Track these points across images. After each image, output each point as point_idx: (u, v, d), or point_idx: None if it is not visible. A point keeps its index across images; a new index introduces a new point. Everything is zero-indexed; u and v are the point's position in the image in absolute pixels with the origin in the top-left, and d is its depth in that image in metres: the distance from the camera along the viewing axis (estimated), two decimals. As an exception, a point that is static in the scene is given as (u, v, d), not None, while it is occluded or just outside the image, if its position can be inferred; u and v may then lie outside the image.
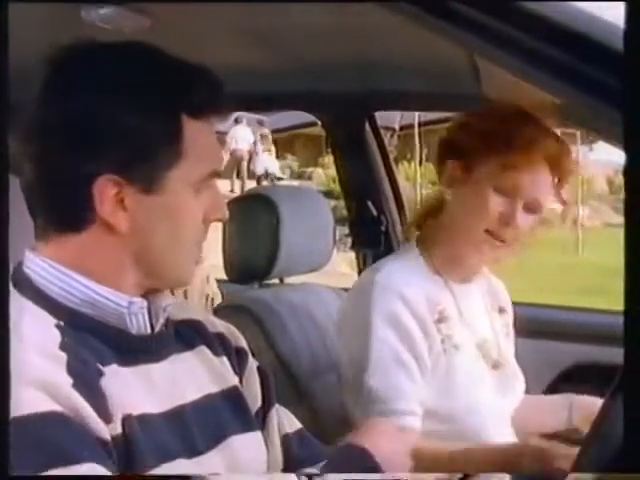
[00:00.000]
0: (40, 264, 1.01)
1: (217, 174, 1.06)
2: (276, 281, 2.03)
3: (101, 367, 0.96)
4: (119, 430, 0.93)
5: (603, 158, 15.90)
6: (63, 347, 0.93)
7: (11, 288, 0.99)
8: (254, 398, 1.20)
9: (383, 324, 1.49)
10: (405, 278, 1.54)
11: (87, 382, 0.92)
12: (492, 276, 1.73)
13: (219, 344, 1.18)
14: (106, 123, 0.98)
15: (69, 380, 0.90)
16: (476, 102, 1.88)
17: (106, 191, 0.97)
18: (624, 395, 0.71)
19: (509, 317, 1.72)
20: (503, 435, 1.55)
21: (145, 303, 1.03)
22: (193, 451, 1.02)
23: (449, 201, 1.56)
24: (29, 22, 1.46)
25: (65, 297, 0.99)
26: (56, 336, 0.94)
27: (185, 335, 1.13)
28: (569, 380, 2.06)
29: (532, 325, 1.71)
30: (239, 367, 1.20)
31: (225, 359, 1.17)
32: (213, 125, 1.05)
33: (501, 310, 1.70)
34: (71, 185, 0.99)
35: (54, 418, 0.87)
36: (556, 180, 1.52)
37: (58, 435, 0.86)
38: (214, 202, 1.06)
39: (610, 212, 16.96)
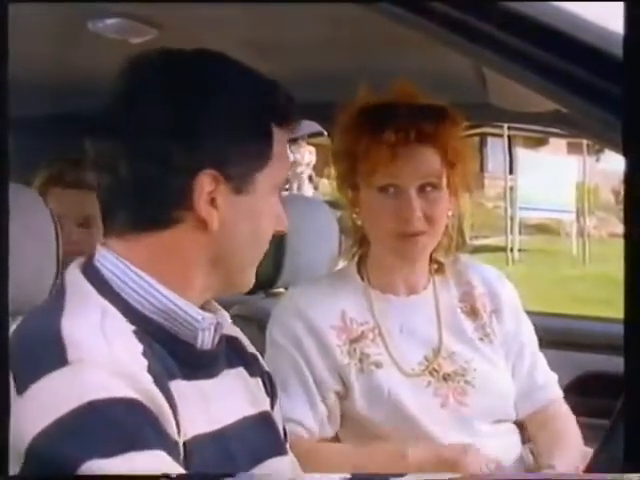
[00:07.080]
0: (115, 262, 0.99)
1: (287, 181, 1.07)
2: (282, 290, 2.03)
3: (169, 381, 0.95)
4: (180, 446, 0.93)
5: (610, 168, 15.83)
6: (144, 354, 0.92)
7: (83, 279, 0.99)
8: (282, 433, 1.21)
9: (283, 340, 1.53)
10: (313, 299, 1.56)
11: (165, 389, 0.91)
12: (475, 275, 1.64)
13: (255, 365, 1.18)
14: (207, 122, 0.99)
15: (149, 378, 0.89)
16: (483, 111, 1.89)
17: (205, 186, 0.98)
18: (624, 403, 0.71)
19: (487, 317, 1.60)
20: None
21: (215, 319, 1.03)
22: (235, 471, 1.01)
23: (362, 223, 1.58)
24: (36, 34, 1.47)
25: (140, 302, 0.98)
26: (137, 343, 0.93)
27: (228, 352, 1.12)
28: (577, 389, 2.05)
29: (539, 334, 1.70)
30: (272, 392, 1.21)
31: (259, 381, 1.17)
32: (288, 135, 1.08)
33: (474, 312, 1.60)
34: (171, 180, 0.98)
35: (131, 404, 0.86)
36: (437, 154, 1.50)
37: (132, 420, 0.85)
38: (280, 213, 1.09)
39: (616, 222, 16.90)
